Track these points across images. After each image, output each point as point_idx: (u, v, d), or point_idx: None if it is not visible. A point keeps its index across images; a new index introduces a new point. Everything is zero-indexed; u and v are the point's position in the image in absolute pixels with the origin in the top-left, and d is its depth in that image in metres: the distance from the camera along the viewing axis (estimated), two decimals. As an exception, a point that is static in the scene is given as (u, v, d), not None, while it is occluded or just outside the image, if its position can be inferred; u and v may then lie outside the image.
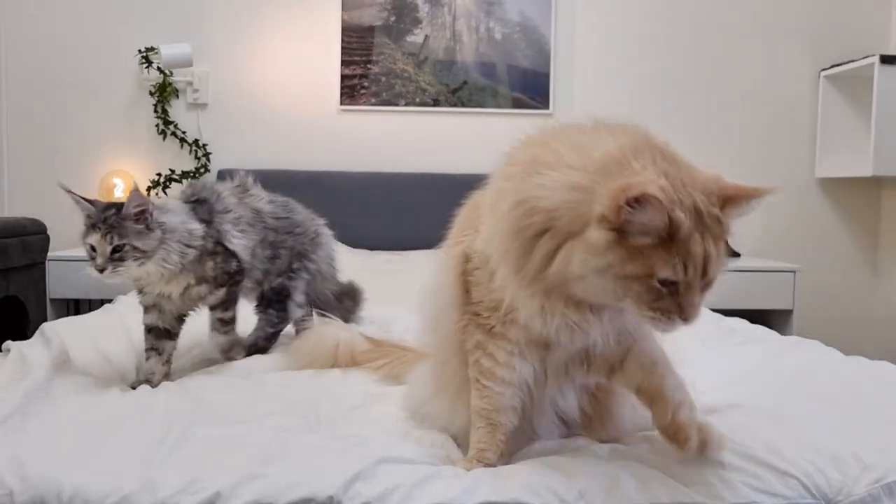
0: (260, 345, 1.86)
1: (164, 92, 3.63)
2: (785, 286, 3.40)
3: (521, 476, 1.07)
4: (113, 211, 1.55)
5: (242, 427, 1.26)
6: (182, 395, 1.47)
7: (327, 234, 2.11)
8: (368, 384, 1.57)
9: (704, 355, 1.69)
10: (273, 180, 3.61)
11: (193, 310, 1.76)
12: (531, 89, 3.82)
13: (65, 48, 3.68)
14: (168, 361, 1.70)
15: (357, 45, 3.78)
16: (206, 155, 3.69)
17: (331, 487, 1.03)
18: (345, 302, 2.17)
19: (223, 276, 1.72)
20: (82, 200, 1.56)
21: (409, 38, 3.79)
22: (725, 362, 1.66)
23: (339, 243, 3.49)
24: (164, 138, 3.68)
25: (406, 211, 3.66)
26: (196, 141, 3.69)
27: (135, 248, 1.54)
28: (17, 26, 3.66)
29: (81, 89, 3.70)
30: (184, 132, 3.69)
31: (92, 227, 1.54)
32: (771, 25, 3.82)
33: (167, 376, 1.66)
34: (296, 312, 1.94)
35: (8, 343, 1.77)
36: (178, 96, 3.70)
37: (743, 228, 3.70)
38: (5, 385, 1.44)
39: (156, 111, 3.67)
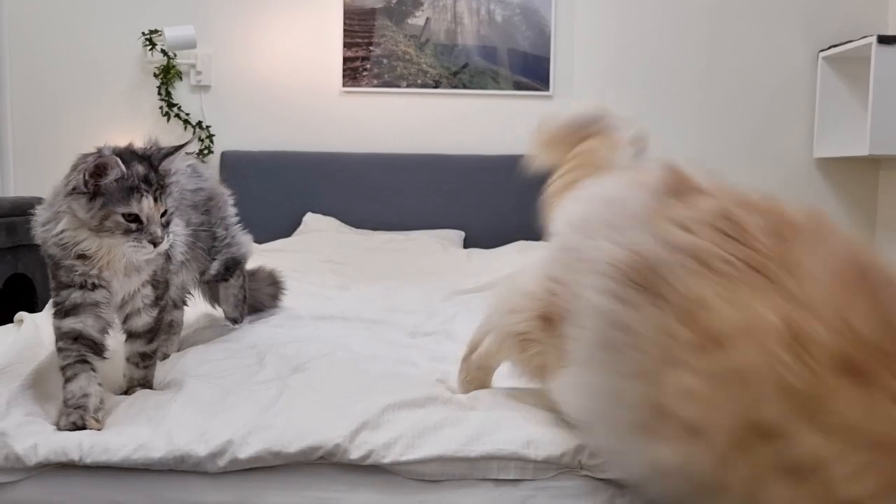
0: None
1: (167, 74, 3.67)
2: (782, 265, 3.44)
3: (524, 427, 1.11)
4: (146, 167, 1.24)
5: (248, 386, 1.31)
6: (187, 358, 1.51)
7: (227, 193, 1.78)
8: (376, 346, 1.62)
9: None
10: (276, 161, 3.69)
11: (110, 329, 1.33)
12: (531, 72, 3.84)
13: (69, 30, 3.71)
14: (98, 381, 1.24)
15: (359, 28, 3.81)
16: (210, 137, 3.73)
17: (337, 436, 1.08)
18: (266, 288, 2.00)
19: (162, 286, 1.38)
20: (119, 162, 1.20)
21: (411, 21, 3.82)
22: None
23: (343, 223, 3.57)
24: (168, 120, 3.71)
25: (408, 191, 3.70)
26: (199, 123, 3.73)
27: (174, 212, 1.29)
28: (21, 8, 3.69)
29: (86, 71, 3.73)
30: (187, 114, 3.73)
31: (131, 191, 1.20)
32: (769, 6, 3.84)
33: (102, 406, 1.23)
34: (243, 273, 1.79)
35: (21, 314, 1.81)
36: (181, 78, 3.74)
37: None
38: (23, 350, 1.49)
39: (160, 93, 3.70)
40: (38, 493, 1.08)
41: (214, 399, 1.24)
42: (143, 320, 1.36)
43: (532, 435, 1.09)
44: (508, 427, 1.11)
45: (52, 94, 3.74)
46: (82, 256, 1.25)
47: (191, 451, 1.08)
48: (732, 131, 3.87)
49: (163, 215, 1.25)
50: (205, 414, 1.18)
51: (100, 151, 1.22)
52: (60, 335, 1.26)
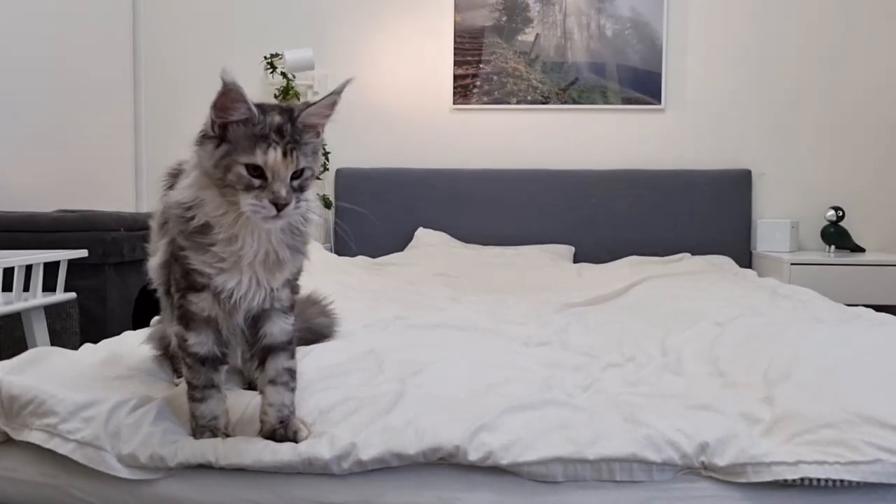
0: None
1: (287, 95, 3.82)
2: (914, 281, 3.26)
3: (643, 429, 1.10)
4: (285, 118, 1.07)
5: (368, 389, 1.33)
6: (307, 362, 1.52)
7: None
8: (491, 353, 1.63)
9: (825, 332, 1.65)
10: (388, 178, 3.78)
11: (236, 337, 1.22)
12: (642, 86, 3.80)
13: (198, 58, 3.93)
14: (225, 397, 1.21)
15: (469, 46, 3.86)
16: (326, 154, 3.86)
17: (457, 438, 1.09)
18: (317, 319, 1.76)
19: (297, 288, 1.23)
20: (244, 94, 1.07)
21: (520, 38, 3.85)
22: (846, 338, 1.61)
23: (453, 238, 3.62)
24: (287, 139, 3.87)
25: (518, 207, 3.72)
26: (316, 141, 3.87)
27: (314, 176, 1.09)
28: (155, 38, 3.94)
29: (213, 94, 3.92)
30: (305, 133, 3.87)
31: (258, 139, 1.04)
32: (893, 14, 3.66)
33: (229, 420, 1.22)
34: None
35: (156, 318, 1.93)
36: (299, 99, 3.89)
37: (867, 222, 3.60)
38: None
39: (279, 114, 3.86)
40: (178, 489, 1.15)
41: (336, 402, 1.28)
42: (280, 326, 1.18)
43: (652, 436, 1.08)
44: (626, 428, 1.11)
45: (182, 116, 3.96)
46: (205, 229, 1.09)
47: (317, 455, 1.11)
48: (857, 147, 3.69)
49: (296, 177, 1.06)
50: (321, 416, 1.21)
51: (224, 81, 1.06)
52: (186, 353, 1.16)
